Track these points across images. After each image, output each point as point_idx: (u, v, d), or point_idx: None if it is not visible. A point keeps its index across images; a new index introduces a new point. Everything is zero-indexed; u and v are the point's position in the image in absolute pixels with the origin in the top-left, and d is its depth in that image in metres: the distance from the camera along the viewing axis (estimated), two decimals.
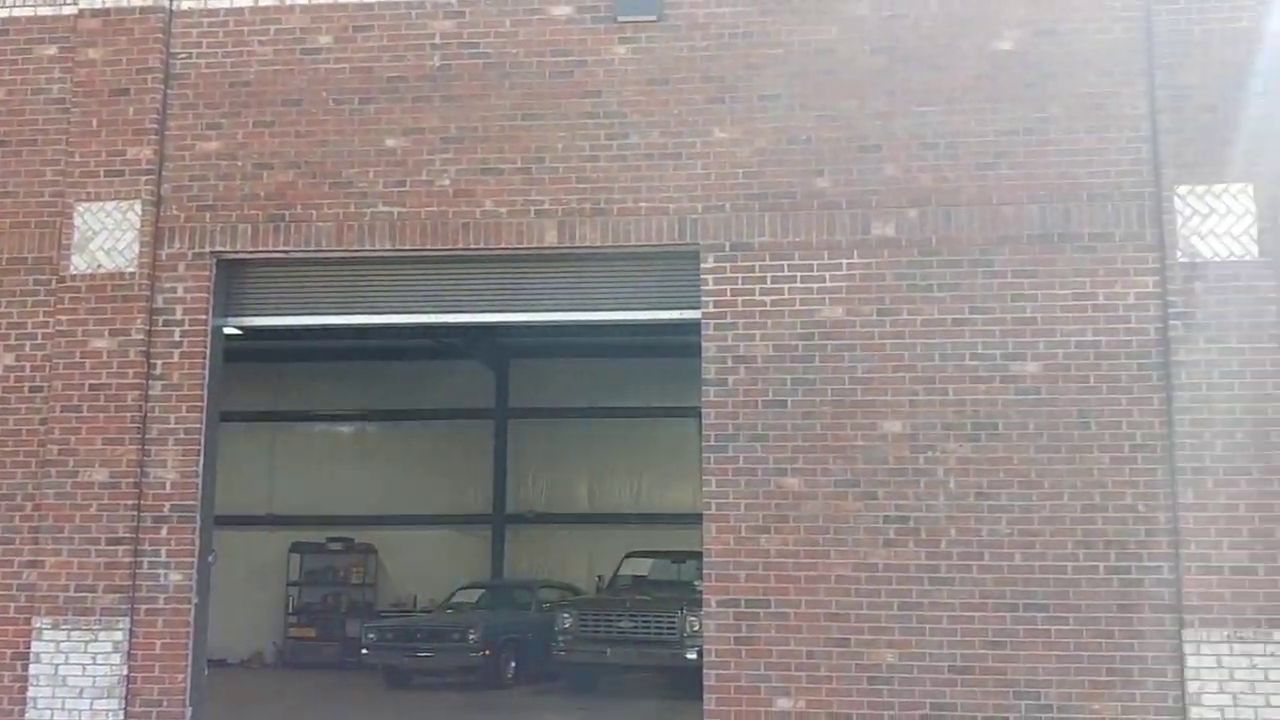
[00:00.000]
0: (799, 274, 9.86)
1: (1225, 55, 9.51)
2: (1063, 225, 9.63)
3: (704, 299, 9.92)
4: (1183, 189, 9.48)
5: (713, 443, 9.75)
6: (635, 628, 15.06)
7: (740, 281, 9.92)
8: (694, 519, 9.88)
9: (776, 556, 9.53)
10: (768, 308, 9.85)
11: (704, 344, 9.88)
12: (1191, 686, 8.88)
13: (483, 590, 19.04)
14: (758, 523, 9.59)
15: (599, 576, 17.86)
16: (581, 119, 10.20)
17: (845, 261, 9.83)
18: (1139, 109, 9.68)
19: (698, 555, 10.04)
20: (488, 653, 16.58)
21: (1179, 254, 9.41)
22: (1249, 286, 9.28)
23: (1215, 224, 9.40)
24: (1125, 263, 9.55)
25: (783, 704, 9.32)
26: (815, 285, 9.83)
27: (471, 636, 16.49)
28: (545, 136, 10.22)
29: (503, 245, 10.18)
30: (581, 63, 10.29)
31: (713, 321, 9.89)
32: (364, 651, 17.38)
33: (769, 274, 9.89)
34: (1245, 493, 9.05)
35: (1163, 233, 9.47)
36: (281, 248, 10.38)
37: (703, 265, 9.95)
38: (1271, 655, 8.82)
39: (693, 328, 10.04)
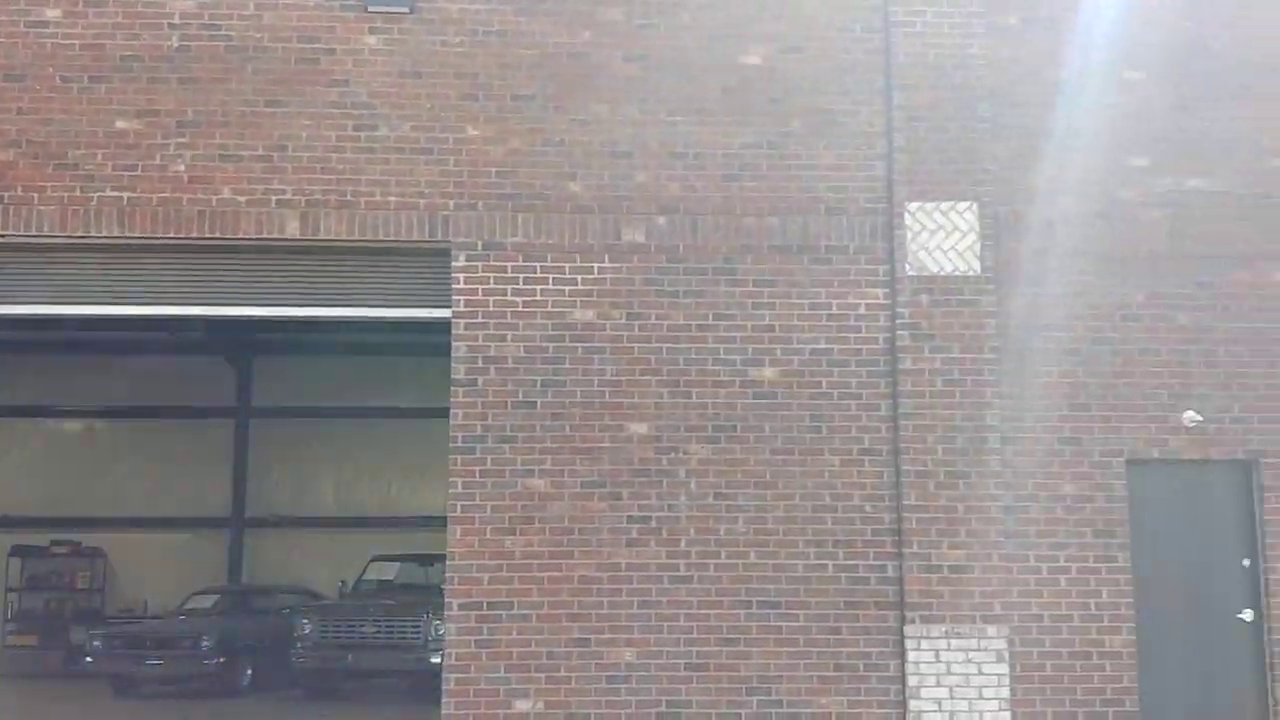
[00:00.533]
0: (551, 276, 9.87)
1: (956, 79, 10.06)
2: (801, 237, 9.98)
3: (455, 298, 9.81)
4: (913, 206, 9.97)
5: (460, 444, 9.64)
6: (378, 633, 14.73)
7: (492, 281, 9.86)
8: (444, 522, 9.75)
9: (521, 558, 9.51)
10: (519, 309, 9.82)
11: (454, 344, 9.77)
12: (912, 680, 9.34)
13: (218, 596, 18.24)
14: (503, 524, 9.54)
15: (341, 581, 17.39)
16: (328, 108, 9.93)
17: (596, 265, 9.90)
18: (875, 127, 10.12)
19: (445, 558, 9.90)
20: (221, 660, 15.89)
21: (908, 268, 9.88)
22: (971, 300, 9.84)
23: (942, 240, 9.93)
24: (858, 275, 9.96)
25: (521, 706, 9.30)
26: (567, 288, 9.86)
27: (204, 643, 15.76)
28: (289, 124, 9.90)
29: (241, 235, 9.80)
30: (330, 50, 10.01)
31: (463, 321, 9.78)
32: (88, 660, 16.39)
33: (521, 275, 9.87)
34: (964, 495, 9.58)
35: (893, 247, 9.94)
36: (0, 232, 9.71)
37: (454, 264, 9.84)
38: (985, 650, 9.35)
39: (442, 327, 9.91)
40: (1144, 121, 10.19)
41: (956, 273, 9.89)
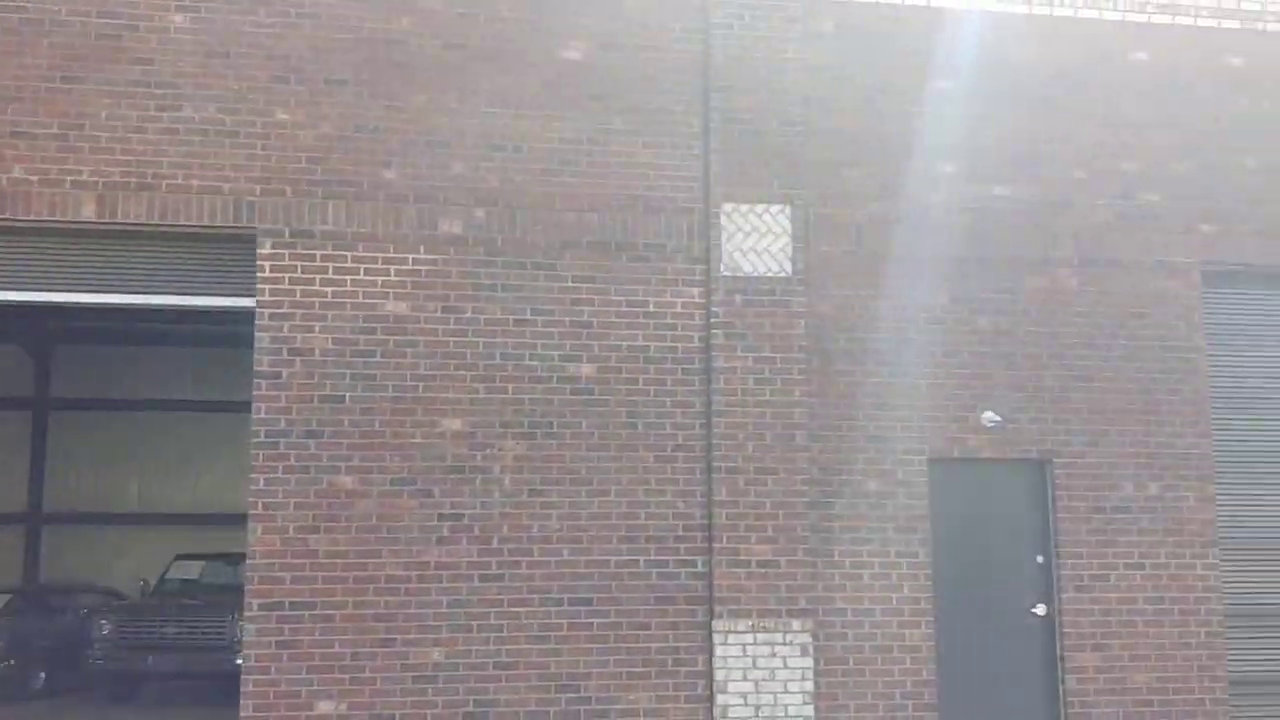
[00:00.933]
0: (363, 266, 9.64)
1: (773, 83, 10.20)
2: (620, 234, 9.97)
3: (259, 287, 9.49)
4: (729, 207, 10.07)
5: (263, 439, 9.33)
6: (180, 634, 14.20)
7: (300, 270, 9.57)
8: None
9: (325, 557, 9.25)
10: (329, 299, 9.56)
11: (257, 334, 9.45)
12: (719, 675, 9.43)
13: (10, 595, 17.31)
14: (307, 522, 9.27)
15: (143, 581, 16.71)
16: (129, 87, 9.49)
17: (411, 256, 9.70)
18: (694, 128, 10.19)
19: None
20: (12, 662, 15.11)
21: (723, 268, 9.98)
22: (783, 301, 9.99)
23: (756, 241, 10.06)
24: (675, 273, 10.02)
25: (324, 707, 9.05)
26: (379, 279, 9.64)
27: None
28: (87, 102, 9.42)
29: (33, 217, 9.29)
30: (133, 27, 9.57)
31: (268, 311, 9.47)
32: None
33: (331, 264, 9.60)
34: (772, 491, 9.72)
35: (709, 247, 10.02)
36: None
37: (259, 251, 9.51)
38: (790, 644, 9.51)
39: (249, 317, 9.57)
40: (952, 130, 10.51)
41: (769, 274, 10.03)
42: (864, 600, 9.80)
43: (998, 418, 10.15)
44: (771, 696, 9.45)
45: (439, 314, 9.68)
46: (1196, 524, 10.26)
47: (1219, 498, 10.42)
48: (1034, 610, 10.09)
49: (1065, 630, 9.99)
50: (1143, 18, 10.95)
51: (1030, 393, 10.28)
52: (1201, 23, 11.04)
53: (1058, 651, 10.01)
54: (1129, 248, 10.58)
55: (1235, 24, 11.07)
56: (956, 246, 10.37)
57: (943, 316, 10.29)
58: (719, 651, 9.47)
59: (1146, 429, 10.35)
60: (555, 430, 9.67)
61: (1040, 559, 10.17)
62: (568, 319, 9.84)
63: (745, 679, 9.45)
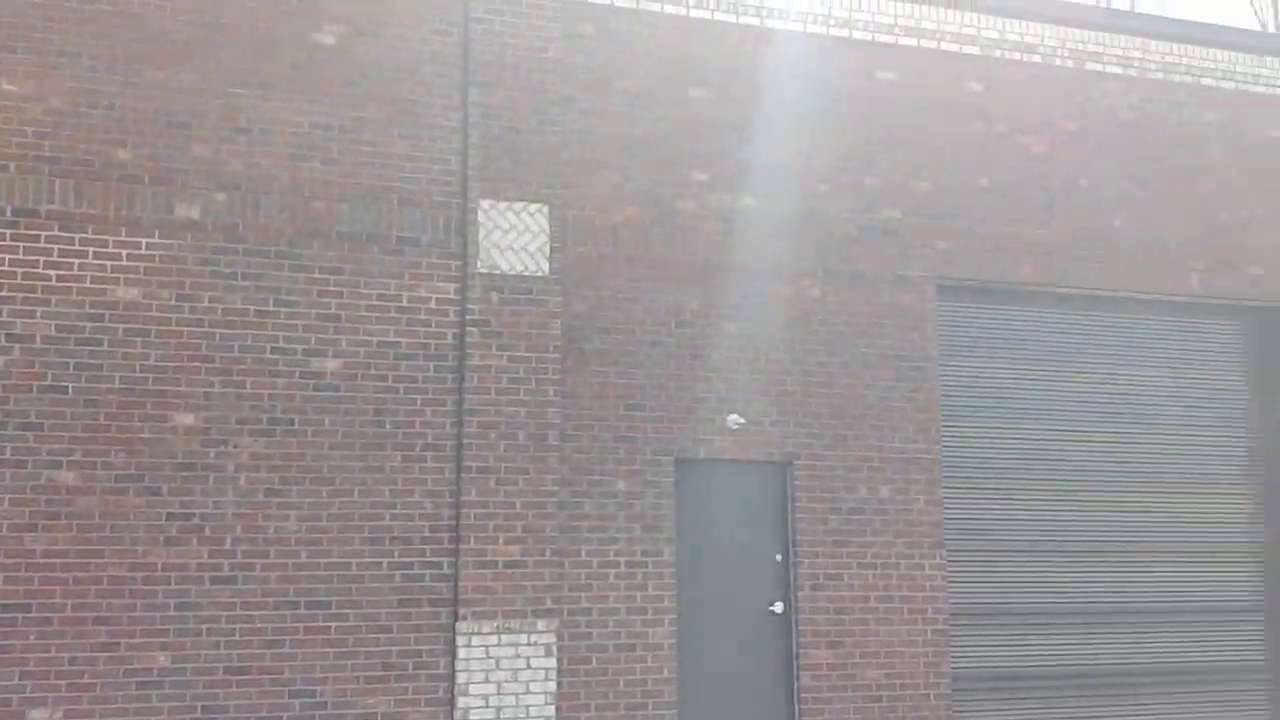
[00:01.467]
0: (92, 249, 9.09)
1: (532, 81, 10.16)
2: (373, 226, 9.74)
3: None
4: (486, 203, 9.97)
5: None
6: None
7: (21, 252, 8.95)
8: None
9: (43, 557, 8.68)
10: (52, 283, 8.97)
11: None
12: (461, 678, 9.32)
13: None
14: (24, 520, 8.68)
15: None
16: None
17: (145, 241, 9.21)
18: (452, 121, 10.04)
19: None
20: None
21: (479, 264, 9.87)
22: (539, 300, 9.96)
23: (514, 239, 9.99)
24: (430, 268, 9.85)
25: (37, 715, 8.49)
26: (110, 263, 9.11)
27: None
28: None
29: None
30: None
31: None
32: None
33: (56, 246, 9.02)
34: (523, 491, 9.67)
35: (466, 243, 9.90)
36: None
37: None
38: (534, 644, 9.48)
39: None
40: (705, 138, 10.71)
41: (526, 272, 9.98)
42: (609, 599, 9.87)
43: (743, 420, 10.38)
44: (514, 698, 9.40)
45: (173, 302, 9.22)
46: (925, 526, 10.76)
47: (946, 501, 10.97)
48: (772, 608, 10.37)
49: (801, 627, 10.31)
50: (890, 39, 11.42)
51: (774, 397, 10.57)
52: (945, 47, 11.59)
53: (793, 648, 10.32)
54: (869, 260, 11.01)
55: (975, 50, 11.68)
56: (707, 253, 10.56)
57: (693, 320, 10.46)
58: (461, 654, 9.36)
59: (881, 434, 10.79)
60: (296, 427, 9.36)
61: (779, 558, 10.46)
62: (313, 312, 9.54)
63: (488, 681, 9.37)
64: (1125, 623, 11.50)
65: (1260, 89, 12.55)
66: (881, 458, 10.75)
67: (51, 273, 8.98)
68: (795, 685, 10.27)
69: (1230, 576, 11.90)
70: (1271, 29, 26.42)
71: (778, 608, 10.37)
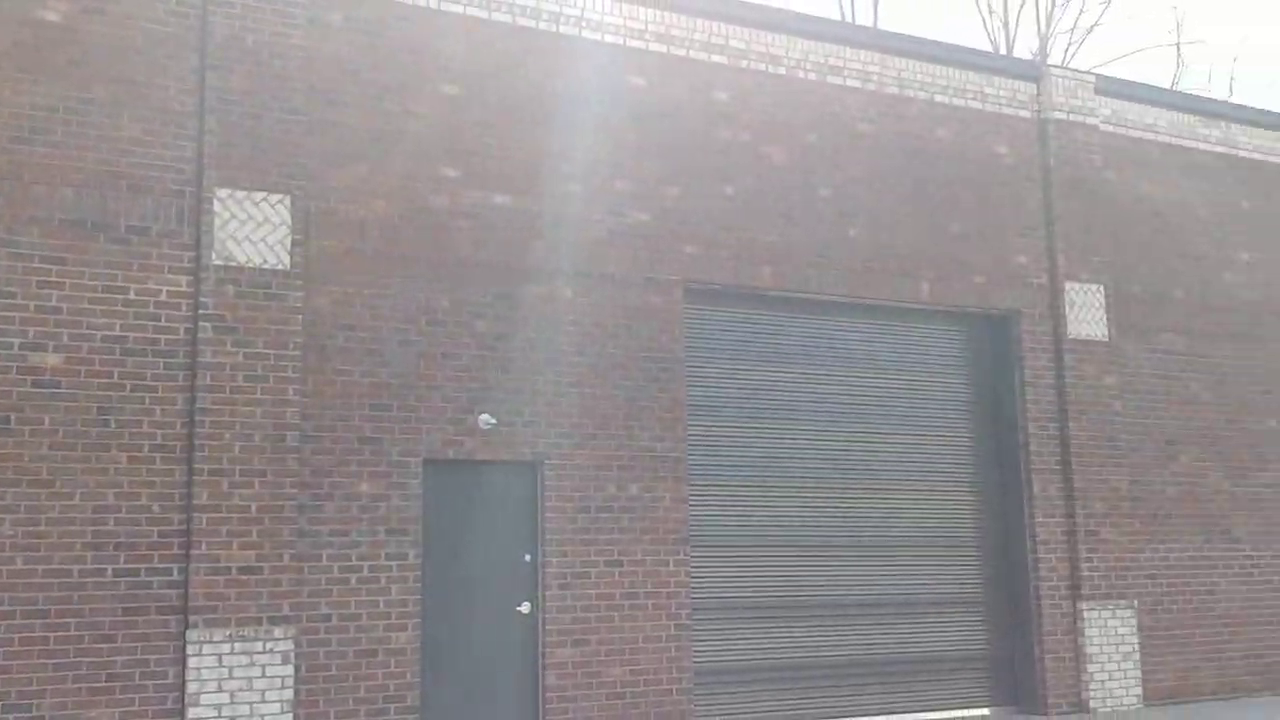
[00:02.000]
0: None
1: (274, 68, 9.82)
2: (99, 213, 9.21)
3: None
4: (223, 192, 9.58)
5: None
6: None
7: None
8: None
9: None
10: None
11: None
12: (191, 687, 8.91)
13: None
14: None
15: None
16: None
17: None
18: (187, 106, 9.61)
19: None
20: None
21: (215, 256, 9.48)
22: (279, 295, 9.63)
23: (252, 231, 9.63)
24: (161, 259, 9.39)
25: None
26: None
27: None
28: None
29: None
30: None
31: None
32: None
33: None
34: (259, 494, 9.33)
35: (200, 234, 9.48)
36: None
37: None
38: (270, 651, 9.16)
39: None
40: (457, 134, 10.60)
41: (265, 266, 9.64)
42: (350, 604, 9.63)
43: (493, 420, 10.33)
44: (248, 706, 9.06)
45: None
46: (671, 522, 10.95)
47: (691, 498, 11.20)
48: (519, 608, 10.35)
49: (547, 627, 10.32)
50: (641, 44, 11.58)
51: (526, 396, 10.55)
52: (693, 55, 11.83)
53: (540, 647, 10.33)
54: (620, 263, 11.13)
55: (722, 59, 11.97)
56: (459, 250, 10.46)
57: (443, 319, 10.34)
58: (192, 663, 8.95)
59: (630, 433, 10.92)
60: (13, 427, 8.76)
61: (528, 557, 10.45)
62: (32, 303, 8.95)
63: (220, 690, 9.00)
64: (861, 615, 12.01)
65: (988, 107, 13.32)
66: (630, 456, 10.89)
67: None
68: (540, 685, 10.28)
69: (955, 570, 12.60)
70: (1002, 51, 28.17)
71: (524, 608, 10.36)
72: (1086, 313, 13.31)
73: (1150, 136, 14.32)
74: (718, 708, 11.19)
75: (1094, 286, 13.43)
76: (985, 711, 12.42)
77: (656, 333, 11.21)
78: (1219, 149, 14.78)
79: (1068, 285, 13.28)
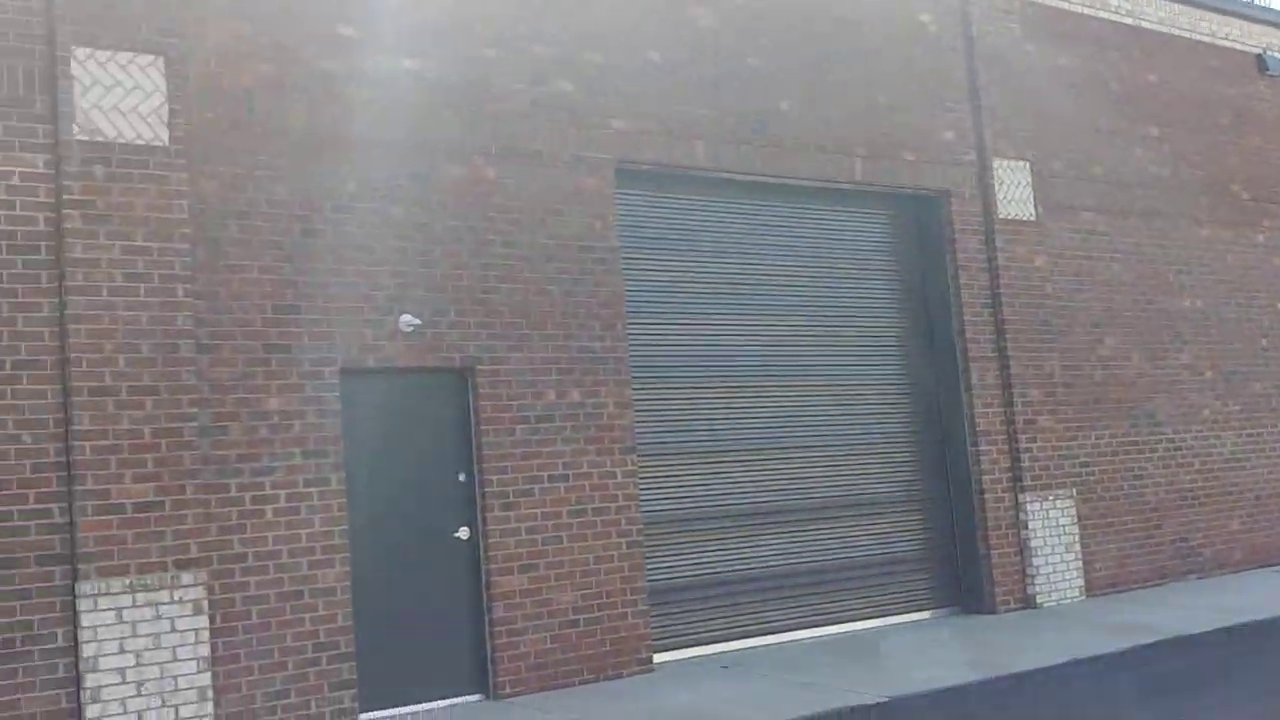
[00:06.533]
0: None
1: None
2: None
3: None
4: (83, 53, 7.83)
5: None
6: None
7: None
8: None
9: None
10: None
11: None
12: (87, 650, 7.35)
13: None
14: None
15: None
16: None
17: None
18: None
19: None
20: None
21: (77, 130, 7.74)
22: (158, 176, 7.98)
23: (120, 99, 7.92)
24: (9, 134, 7.62)
25: None
26: None
27: None
28: None
29: None
30: None
31: None
32: None
33: None
34: (152, 415, 7.75)
35: (57, 102, 7.72)
36: None
37: None
38: (179, 601, 7.65)
39: None
40: None
41: (140, 141, 7.95)
42: (268, 540, 8.17)
43: (417, 321, 8.92)
44: (157, 668, 7.55)
45: None
46: (616, 430, 9.79)
47: (635, 402, 10.05)
48: (457, 534, 9.06)
49: (490, 553, 9.08)
50: None
51: (451, 294, 9.17)
52: None
53: (483, 576, 9.08)
54: (546, 139, 9.78)
55: None
56: (365, 125, 8.93)
57: (351, 205, 8.83)
58: (86, 621, 7.38)
59: (567, 333, 9.67)
60: None
61: (463, 477, 9.15)
62: None
63: (123, 651, 7.46)
64: (805, 520, 11.15)
65: None
66: (569, 359, 9.65)
67: None
68: (487, 618, 9.04)
69: (894, 468, 11.86)
70: None
71: (463, 533, 9.08)
72: (1014, 191, 12.64)
73: (1064, 6, 13.67)
74: (673, 628, 10.19)
75: (1020, 164, 12.76)
76: (927, 615, 11.78)
77: (589, 219, 9.94)
78: (1127, 20, 14.26)
79: (995, 163, 12.56)
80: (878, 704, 8.24)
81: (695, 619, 10.36)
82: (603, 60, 10.21)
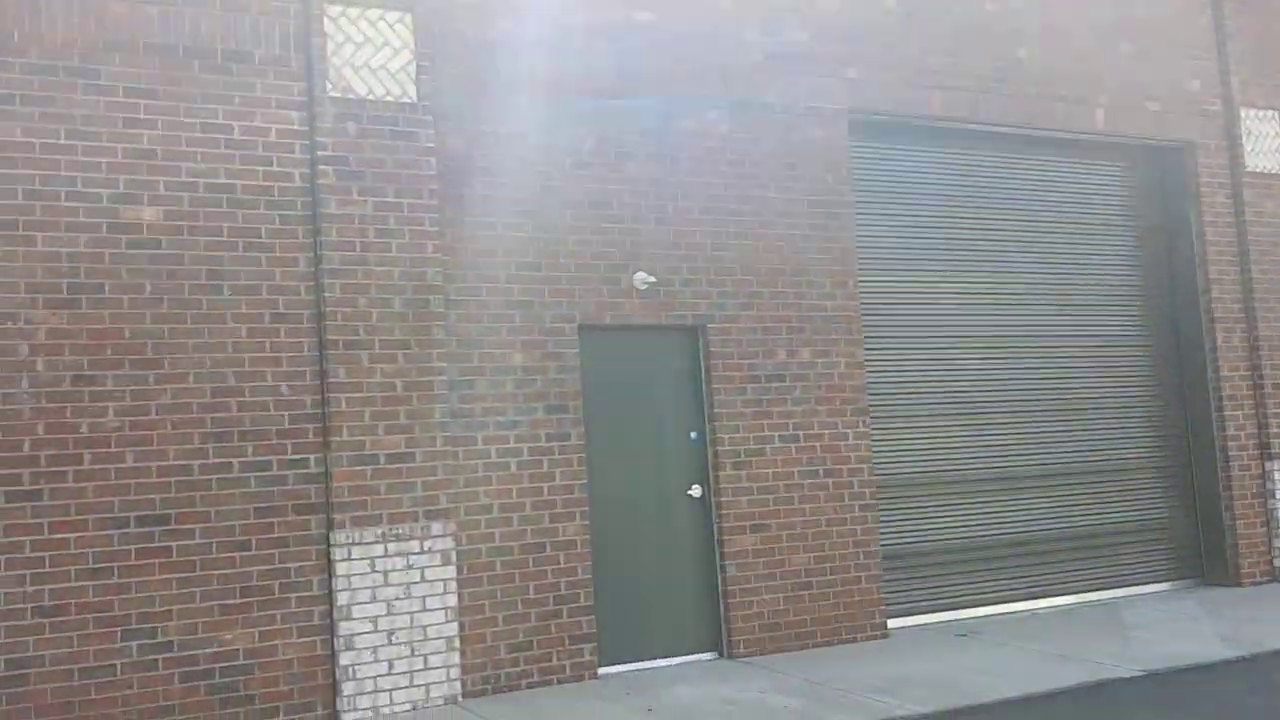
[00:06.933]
0: None
1: None
2: (190, 37, 7.57)
3: None
4: (335, 9, 7.93)
5: None
6: None
7: None
8: None
9: None
10: None
11: None
12: (341, 598, 7.52)
13: None
14: None
15: None
16: None
17: None
18: None
19: None
20: None
21: (330, 87, 7.85)
22: (407, 133, 8.04)
23: (371, 56, 8.00)
24: (267, 91, 7.76)
25: None
26: None
27: None
28: None
29: None
30: None
31: None
32: None
33: None
34: (403, 369, 7.86)
35: (312, 60, 7.84)
36: None
37: None
38: (428, 551, 7.77)
39: None
40: None
41: (390, 98, 8.03)
42: (512, 493, 8.22)
43: (651, 279, 8.83)
44: (407, 618, 7.69)
45: None
46: (848, 390, 9.55)
47: (867, 362, 9.78)
48: (689, 492, 8.97)
49: (723, 511, 8.97)
50: None
51: (684, 251, 9.04)
52: None
53: (715, 535, 8.99)
54: (779, 91, 9.55)
55: None
56: (599, 79, 8.85)
57: (589, 160, 8.77)
58: (341, 569, 7.55)
59: (798, 290, 9.45)
60: (108, 296, 7.21)
61: (694, 435, 9.05)
62: (120, 146, 7.34)
63: (375, 599, 7.61)
64: (1045, 487, 10.72)
65: None
66: (800, 317, 9.43)
67: None
68: (721, 576, 8.95)
69: (1134, 434, 11.29)
70: None
71: (696, 491, 8.99)
72: (1264, 142, 11.84)
73: None
74: (906, 595, 9.94)
75: (1270, 114, 11.94)
76: (1167, 586, 11.21)
77: (821, 172, 9.67)
78: None
79: (1243, 113, 11.78)
80: (1147, 674, 7.85)
81: (927, 585, 10.08)
82: (837, 8, 9.91)
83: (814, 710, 7.33)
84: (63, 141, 7.18)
